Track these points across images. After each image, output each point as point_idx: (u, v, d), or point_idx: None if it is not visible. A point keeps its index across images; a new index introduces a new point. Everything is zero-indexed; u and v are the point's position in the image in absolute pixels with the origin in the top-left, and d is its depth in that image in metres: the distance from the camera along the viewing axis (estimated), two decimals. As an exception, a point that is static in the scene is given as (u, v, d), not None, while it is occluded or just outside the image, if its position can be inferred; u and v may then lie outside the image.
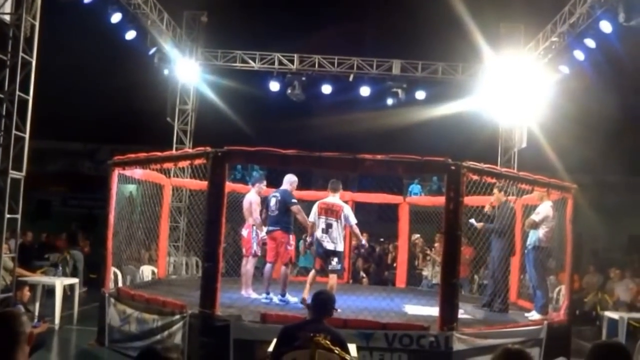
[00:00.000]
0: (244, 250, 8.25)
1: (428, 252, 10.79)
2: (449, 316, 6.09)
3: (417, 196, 12.76)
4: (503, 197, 7.93)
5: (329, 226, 7.49)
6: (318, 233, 7.48)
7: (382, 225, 13.02)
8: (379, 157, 6.58)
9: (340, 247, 7.48)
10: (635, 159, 14.17)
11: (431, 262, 10.64)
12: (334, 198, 7.60)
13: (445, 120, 12.40)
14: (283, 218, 7.64)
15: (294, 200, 7.65)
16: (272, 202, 7.81)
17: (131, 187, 9.94)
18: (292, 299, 7.52)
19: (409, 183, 14.58)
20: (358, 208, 10.89)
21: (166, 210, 9.68)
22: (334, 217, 7.49)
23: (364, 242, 8.22)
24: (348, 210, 7.56)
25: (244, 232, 8.11)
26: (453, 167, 6.40)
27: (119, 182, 8.22)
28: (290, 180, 7.89)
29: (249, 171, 13.75)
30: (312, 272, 7.75)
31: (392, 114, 12.94)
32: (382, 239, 12.35)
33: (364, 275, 11.27)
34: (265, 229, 7.91)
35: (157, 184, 9.22)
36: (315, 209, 7.56)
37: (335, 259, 7.45)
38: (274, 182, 8.26)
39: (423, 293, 9.49)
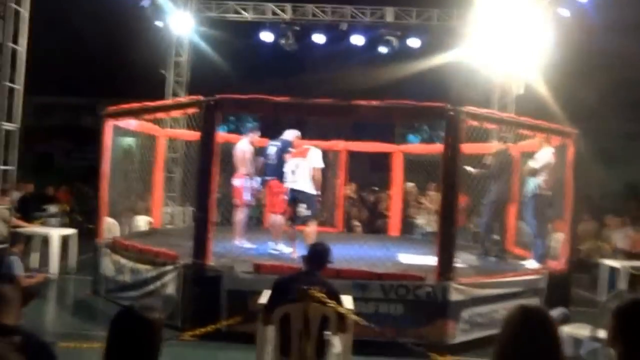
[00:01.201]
0: (234, 201, 7.93)
1: (422, 200, 10.53)
2: (445, 266, 5.75)
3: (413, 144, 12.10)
4: (502, 145, 7.42)
5: (296, 166, 7.09)
6: (287, 177, 7.07)
7: (375, 175, 12.65)
8: (374, 103, 6.22)
9: (308, 189, 6.97)
10: (635, 107, 13.23)
11: (425, 211, 10.34)
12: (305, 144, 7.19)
13: (441, 70, 11.98)
14: (281, 168, 7.20)
15: (293, 150, 7.29)
16: (272, 150, 7.46)
17: (129, 140, 9.68)
18: (286, 249, 7.18)
19: (406, 133, 14.10)
20: (351, 158, 10.57)
21: (161, 161, 9.39)
22: (301, 156, 7.11)
23: (316, 192, 7.18)
24: (315, 152, 7.13)
25: (236, 181, 7.72)
26: (452, 113, 5.99)
27: (117, 135, 7.93)
28: (293, 134, 7.64)
29: (243, 123, 13.19)
30: (281, 221, 7.24)
31: (386, 64, 12.54)
32: (375, 188, 11.96)
33: (358, 223, 10.94)
34: (258, 178, 7.56)
35: (152, 136, 8.91)
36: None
37: (304, 205, 6.98)
38: (268, 134, 8.03)
39: (417, 241, 9.16)
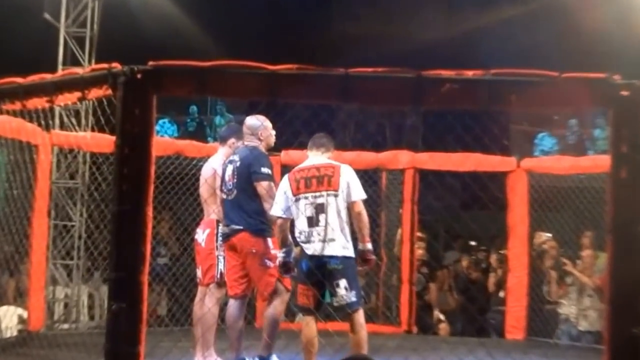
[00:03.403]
0: (199, 273, 7.28)
1: (569, 268, 9.10)
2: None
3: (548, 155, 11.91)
4: None
5: (319, 209, 6.50)
6: (300, 228, 6.59)
7: (473, 217, 11.29)
8: (469, 73, 5.01)
9: (348, 251, 6.49)
10: None
11: (576, 289, 9.01)
12: (317, 157, 6.73)
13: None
14: (248, 204, 6.82)
15: (264, 170, 6.83)
16: (229, 173, 7.06)
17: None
18: (286, 366, 6.69)
19: (535, 133, 13.26)
20: (424, 184, 9.65)
21: (44, 195, 8.37)
22: (328, 188, 6.52)
23: (369, 246, 6.56)
24: (350, 173, 6.60)
25: (200, 235, 7.27)
26: (626, 93, 4.80)
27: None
28: (258, 127, 6.98)
29: (211, 117, 11.82)
30: (303, 319, 6.74)
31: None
32: (473, 243, 10.90)
33: (442, 317, 9.73)
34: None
35: (28, 145, 8.05)
36: (285, 184, 6.68)
37: (344, 283, 6.34)
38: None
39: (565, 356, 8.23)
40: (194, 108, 16.80)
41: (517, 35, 13.42)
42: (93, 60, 10.58)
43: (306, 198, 6.50)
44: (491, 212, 10.03)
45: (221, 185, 7.14)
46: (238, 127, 7.60)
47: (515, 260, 9.63)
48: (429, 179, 9.76)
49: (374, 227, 9.26)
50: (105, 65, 5.49)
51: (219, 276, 7.13)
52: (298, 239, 6.67)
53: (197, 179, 7.73)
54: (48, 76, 7.88)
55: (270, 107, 6.77)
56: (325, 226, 6.41)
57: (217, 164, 7.37)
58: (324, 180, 6.51)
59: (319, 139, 6.86)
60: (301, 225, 6.53)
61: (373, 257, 6.74)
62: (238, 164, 6.97)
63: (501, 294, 10.12)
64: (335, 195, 6.41)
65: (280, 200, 6.65)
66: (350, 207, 6.53)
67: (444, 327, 10.18)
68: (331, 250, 6.37)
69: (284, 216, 6.58)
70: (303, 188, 6.55)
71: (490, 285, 10.40)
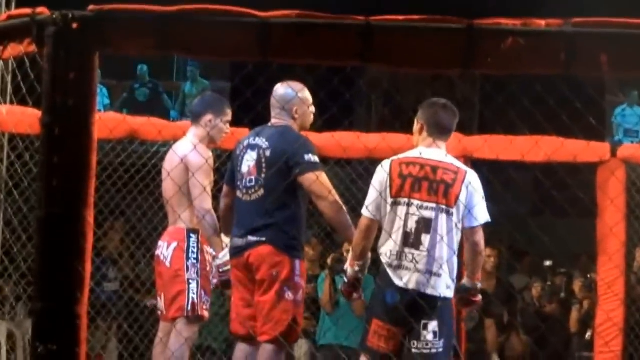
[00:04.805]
0: (160, 303, 7.37)
1: None
2: None
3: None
4: None
5: (423, 226, 6.51)
6: (391, 244, 6.54)
7: (547, 226, 10.47)
8: (541, 23, 5.04)
9: (452, 290, 6.63)
10: None
11: None
12: (436, 151, 6.74)
13: None
14: (280, 210, 6.89)
15: (311, 158, 6.88)
16: (249, 163, 7.08)
17: None
18: None
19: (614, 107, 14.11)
20: (480, 178, 9.17)
21: None
22: (441, 201, 6.52)
23: (479, 285, 6.84)
24: (476, 185, 6.72)
25: (163, 250, 7.34)
26: None
27: None
28: (291, 99, 7.06)
29: (179, 84, 12.03)
30: None
31: None
32: (547, 264, 11.11)
33: None
34: (226, 239, 7.24)
35: None
36: (383, 176, 6.68)
37: (435, 324, 6.40)
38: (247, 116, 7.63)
39: None
40: (143, 68, 16.65)
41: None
42: (13, 5, 10.65)
43: (409, 205, 6.47)
44: (573, 220, 10.11)
45: (235, 181, 7.21)
46: (216, 99, 7.65)
47: (607, 287, 9.57)
48: (485, 172, 9.56)
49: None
50: (27, 11, 5.46)
51: (190, 308, 7.15)
52: (383, 258, 6.63)
53: (159, 172, 7.77)
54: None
55: (261, 70, 6.57)
56: (429, 253, 6.41)
57: (190, 151, 7.34)
58: (439, 188, 6.48)
59: (445, 112, 6.76)
60: (393, 240, 6.53)
61: (479, 298, 6.77)
62: (267, 151, 7.02)
63: (587, 334, 10.13)
64: (448, 213, 6.41)
65: (372, 196, 6.62)
66: (465, 232, 6.55)
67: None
68: (433, 288, 6.36)
69: (373, 218, 6.55)
70: (408, 190, 6.51)
71: (572, 322, 10.40)
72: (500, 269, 10.53)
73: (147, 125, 9.57)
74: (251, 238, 6.97)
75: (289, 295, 6.81)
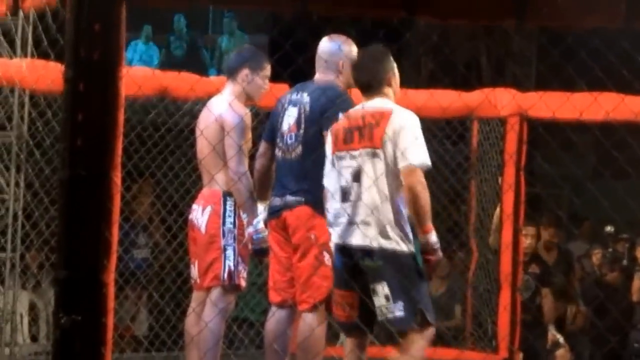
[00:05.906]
0: (194, 271, 7.25)
1: None
2: None
3: None
4: None
5: (355, 176, 6.46)
6: (332, 204, 6.58)
7: (608, 190, 10.28)
8: None
9: (400, 242, 6.30)
10: None
11: None
12: (377, 101, 6.57)
13: None
14: (319, 168, 6.71)
15: None
16: (290, 120, 7.13)
17: None
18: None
19: None
20: (537, 138, 9.72)
21: None
22: (366, 144, 6.42)
23: (430, 238, 6.37)
24: (403, 122, 6.41)
25: (198, 215, 7.28)
26: None
27: None
28: (337, 53, 7.08)
29: (214, 38, 13.01)
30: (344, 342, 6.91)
31: None
32: (608, 229, 10.59)
33: (560, 339, 9.58)
34: (261, 206, 7.19)
35: None
36: (329, 138, 6.75)
37: (384, 287, 6.19)
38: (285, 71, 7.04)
39: None
40: (181, 21, 16.04)
41: None
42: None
43: (343, 158, 6.38)
44: (635, 182, 9.88)
45: (276, 137, 7.17)
46: (254, 53, 7.52)
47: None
48: (541, 132, 9.41)
49: (460, 205, 9.01)
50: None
51: (226, 276, 7.08)
52: (327, 221, 6.61)
53: (193, 132, 7.66)
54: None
55: (300, 22, 6.38)
56: (356, 201, 6.27)
57: (227, 110, 7.24)
58: (365, 132, 6.34)
59: (373, 63, 6.61)
60: (334, 200, 6.46)
61: (437, 254, 6.37)
62: (307, 107, 7.00)
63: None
64: (376, 155, 6.19)
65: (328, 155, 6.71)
66: (401, 176, 6.33)
67: (562, 355, 10.12)
68: (361, 238, 6.15)
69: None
70: (341, 144, 6.43)
71: (634, 291, 10.29)
72: (559, 238, 10.36)
73: (179, 81, 9.40)
74: (289, 198, 6.96)
75: (328, 259, 6.78)
